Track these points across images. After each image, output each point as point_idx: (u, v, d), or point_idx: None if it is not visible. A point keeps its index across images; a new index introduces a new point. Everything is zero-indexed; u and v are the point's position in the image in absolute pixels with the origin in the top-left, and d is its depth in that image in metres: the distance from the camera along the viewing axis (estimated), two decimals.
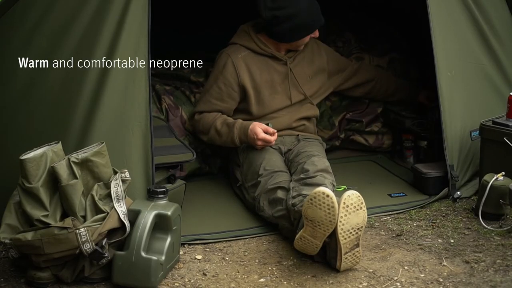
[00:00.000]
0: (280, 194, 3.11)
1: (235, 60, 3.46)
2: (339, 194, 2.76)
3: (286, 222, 3.02)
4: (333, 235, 2.72)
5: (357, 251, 2.78)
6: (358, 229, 2.73)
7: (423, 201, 3.46)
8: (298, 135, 3.56)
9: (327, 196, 2.67)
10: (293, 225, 2.96)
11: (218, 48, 3.60)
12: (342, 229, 2.69)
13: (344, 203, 2.69)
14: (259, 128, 3.34)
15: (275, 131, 3.37)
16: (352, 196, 2.70)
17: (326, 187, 2.91)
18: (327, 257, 2.83)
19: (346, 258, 2.75)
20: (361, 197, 2.73)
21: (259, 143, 3.35)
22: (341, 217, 2.68)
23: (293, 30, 3.39)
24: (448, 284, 2.72)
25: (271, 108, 3.50)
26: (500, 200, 3.17)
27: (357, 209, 2.71)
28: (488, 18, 3.61)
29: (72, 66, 2.96)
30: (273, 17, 3.35)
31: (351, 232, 2.71)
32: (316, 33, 3.47)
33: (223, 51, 3.53)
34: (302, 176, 3.10)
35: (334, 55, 3.80)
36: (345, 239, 2.71)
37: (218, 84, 3.49)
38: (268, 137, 3.34)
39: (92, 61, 2.94)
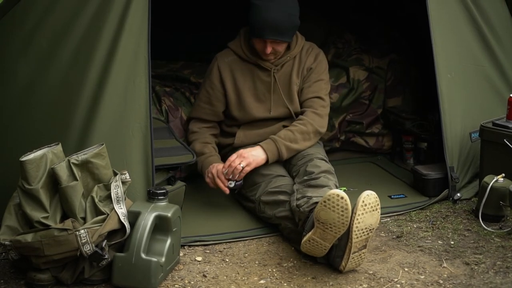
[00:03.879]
0: (281, 197, 3.11)
1: (220, 64, 3.48)
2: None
3: (289, 222, 3.02)
4: (345, 234, 2.72)
5: (363, 253, 2.79)
6: (370, 230, 2.73)
7: (423, 202, 3.46)
8: None
9: (342, 198, 2.67)
10: (297, 225, 2.95)
11: (218, 49, 3.59)
12: (357, 227, 2.69)
13: (363, 201, 2.69)
14: (215, 170, 3.29)
15: (227, 189, 3.27)
16: (371, 196, 2.71)
17: (331, 188, 2.92)
18: (331, 256, 2.82)
19: (353, 258, 2.75)
20: (378, 199, 2.74)
21: (207, 180, 3.33)
22: (358, 215, 2.68)
23: (249, 22, 3.35)
24: (448, 286, 2.72)
25: (253, 115, 3.46)
26: (500, 202, 3.17)
27: (373, 210, 2.72)
28: (488, 20, 3.61)
29: (72, 67, 2.96)
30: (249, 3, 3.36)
31: (364, 232, 2.72)
32: (265, 47, 3.31)
33: (216, 55, 3.55)
34: (305, 178, 3.09)
35: (316, 76, 3.52)
36: (358, 238, 2.71)
37: (206, 88, 3.51)
38: (218, 182, 3.26)
39: (92, 61, 2.93)
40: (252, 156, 3.25)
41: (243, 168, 3.22)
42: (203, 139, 3.47)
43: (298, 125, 3.38)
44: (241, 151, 3.28)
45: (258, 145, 3.31)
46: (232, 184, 3.27)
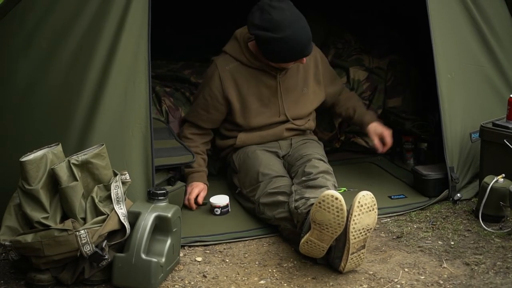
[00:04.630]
0: (281, 198, 3.10)
1: (222, 73, 3.41)
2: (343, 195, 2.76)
3: (288, 223, 3.02)
4: (342, 235, 2.72)
5: (362, 253, 2.79)
6: (368, 230, 2.73)
7: (423, 203, 3.45)
8: (291, 138, 3.55)
9: (336, 199, 2.67)
10: (295, 227, 2.95)
11: (218, 48, 3.59)
12: (354, 228, 2.69)
13: (359, 202, 2.69)
14: (195, 191, 3.37)
15: (195, 206, 3.36)
16: (367, 196, 2.71)
17: (329, 189, 2.92)
18: (330, 258, 2.82)
19: (351, 258, 2.75)
20: (374, 199, 2.73)
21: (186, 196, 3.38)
22: (355, 216, 2.68)
23: (274, 53, 3.28)
24: (448, 286, 2.72)
25: (259, 121, 3.45)
26: (500, 202, 3.17)
27: (370, 210, 2.71)
28: (488, 20, 3.61)
29: (72, 67, 2.95)
30: (257, 36, 3.27)
31: (361, 232, 2.71)
32: (302, 61, 3.33)
33: (213, 60, 3.48)
34: (304, 178, 3.09)
35: (330, 70, 3.70)
36: (355, 238, 2.71)
37: (204, 95, 3.47)
38: (191, 202, 3.35)
39: (92, 61, 2.93)
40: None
41: None
42: (194, 148, 3.45)
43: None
44: (380, 127, 3.67)
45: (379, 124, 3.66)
46: (218, 212, 3.33)
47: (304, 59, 3.33)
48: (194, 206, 3.37)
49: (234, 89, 3.42)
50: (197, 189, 3.38)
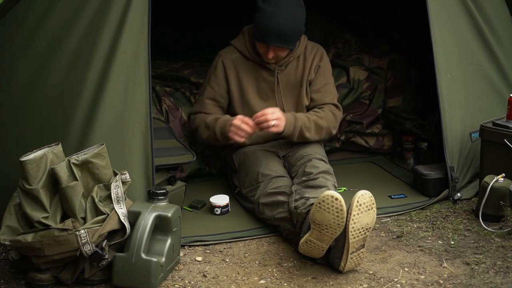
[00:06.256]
0: (280, 198, 3.10)
1: (225, 61, 3.47)
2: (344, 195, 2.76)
3: (288, 223, 3.02)
4: (342, 234, 2.72)
5: (362, 252, 2.79)
6: (367, 229, 2.73)
7: (423, 202, 3.45)
8: None
9: (336, 199, 2.67)
10: (295, 227, 2.95)
11: (218, 48, 3.60)
12: (353, 227, 2.69)
13: (358, 201, 2.69)
14: (238, 116, 3.29)
15: (252, 124, 3.23)
16: (365, 195, 2.71)
17: (329, 189, 2.92)
18: (330, 257, 2.82)
19: (351, 258, 2.75)
20: (373, 198, 2.74)
21: (232, 128, 3.26)
22: (354, 215, 2.68)
23: (256, 25, 3.32)
24: (448, 286, 2.72)
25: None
26: (501, 202, 3.17)
27: (369, 209, 2.72)
28: (488, 20, 3.61)
29: (72, 67, 2.96)
30: (256, 2, 3.32)
31: (360, 232, 2.72)
32: (268, 54, 3.32)
33: (219, 52, 3.55)
34: (304, 178, 3.09)
35: (324, 74, 3.63)
36: (354, 238, 2.71)
37: (211, 84, 3.50)
38: (240, 123, 3.23)
39: (92, 62, 2.93)
40: (283, 121, 3.27)
41: (273, 125, 3.23)
42: (213, 115, 3.43)
43: (315, 116, 3.41)
44: (278, 110, 3.27)
45: (283, 114, 3.29)
46: (218, 212, 3.34)
47: (271, 53, 3.32)
48: (245, 127, 3.23)
49: (235, 79, 3.46)
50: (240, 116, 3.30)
